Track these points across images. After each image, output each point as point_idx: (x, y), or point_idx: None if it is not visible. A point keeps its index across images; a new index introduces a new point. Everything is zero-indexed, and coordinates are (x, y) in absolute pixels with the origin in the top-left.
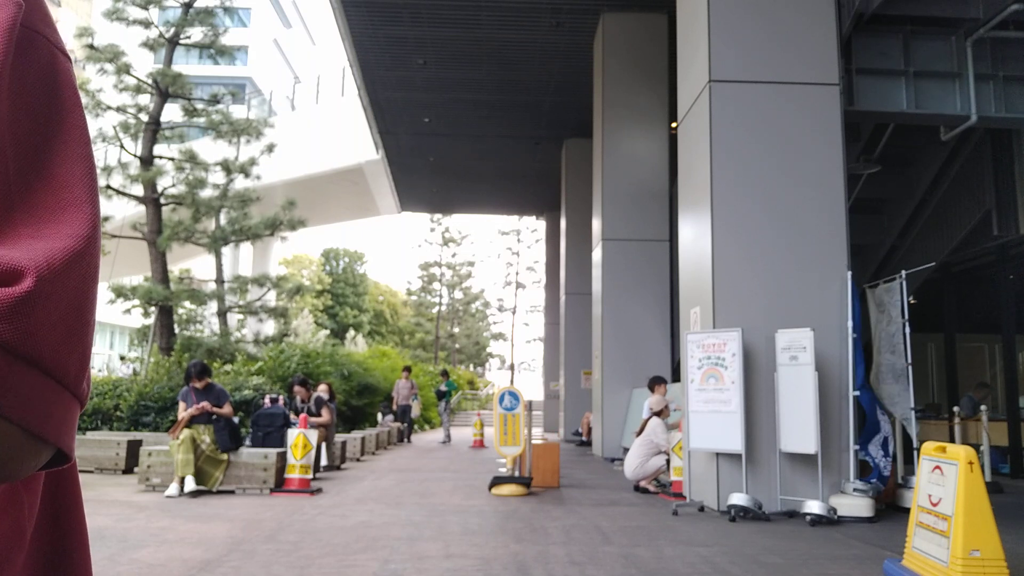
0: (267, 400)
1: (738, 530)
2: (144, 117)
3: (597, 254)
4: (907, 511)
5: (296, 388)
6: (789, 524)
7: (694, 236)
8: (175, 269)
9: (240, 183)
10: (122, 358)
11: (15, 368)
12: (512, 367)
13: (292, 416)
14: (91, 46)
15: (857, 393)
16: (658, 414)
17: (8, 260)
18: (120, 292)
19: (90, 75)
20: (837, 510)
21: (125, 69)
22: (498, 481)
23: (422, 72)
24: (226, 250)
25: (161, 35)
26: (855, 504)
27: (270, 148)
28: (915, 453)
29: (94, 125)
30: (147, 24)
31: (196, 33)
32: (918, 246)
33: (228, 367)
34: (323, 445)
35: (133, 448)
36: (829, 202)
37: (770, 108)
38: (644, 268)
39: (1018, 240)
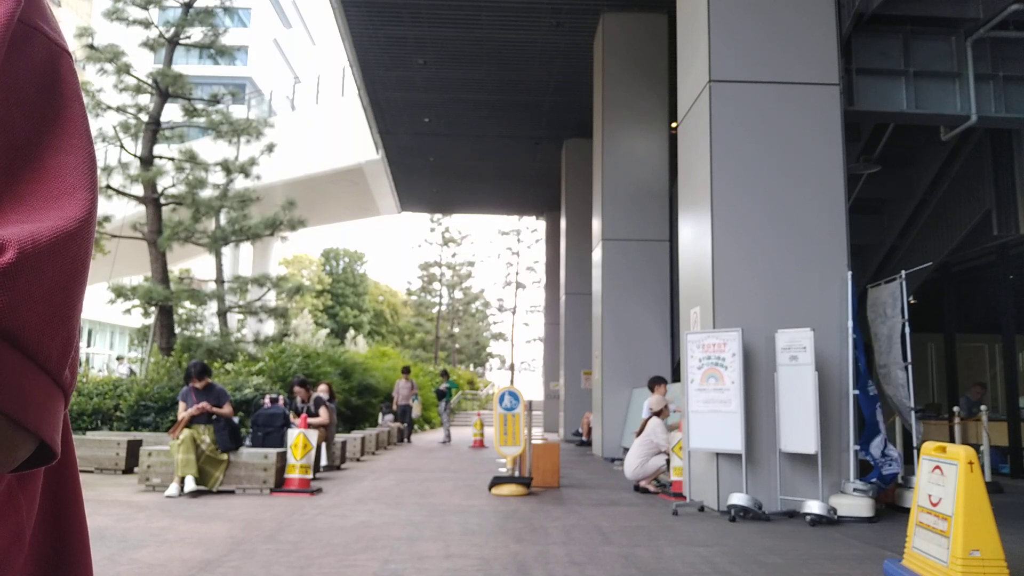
0: (267, 400)
1: (738, 530)
2: (144, 117)
3: (597, 254)
4: (907, 511)
5: (296, 388)
6: (789, 524)
7: (694, 236)
8: (175, 269)
9: (240, 183)
10: (119, 358)
11: None
12: (512, 367)
13: (292, 416)
14: (91, 46)
15: (856, 392)
16: (658, 414)
17: None
18: (120, 292)
19: (90, 75)
20: (837, 510)
21: (125, 69)
22: (498, 481)
23: (422, 72)
24: (226, 250)
25: (161, 35)
26: (855, 504)
27: (270, 148)
28: (915, 453)
29: (94, 125)
30: (147, 24)
31: (196, 33)
32: (918, 246)
33: (228, 367)
34: (323, 445)
35: (133, 448)
36: (829, 202)
37: (770, 108)
38: (644, 268)
39: (1018, 240)
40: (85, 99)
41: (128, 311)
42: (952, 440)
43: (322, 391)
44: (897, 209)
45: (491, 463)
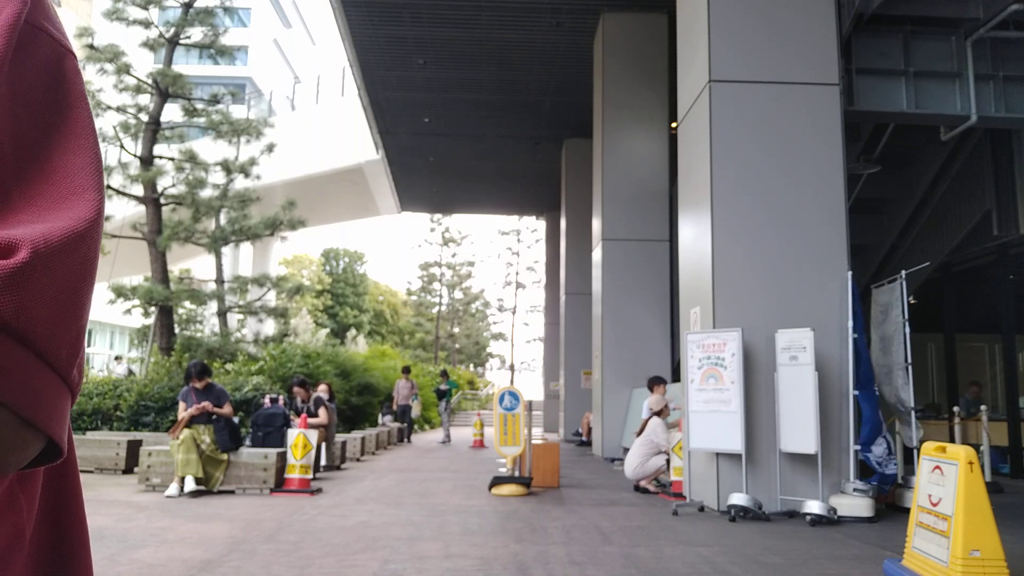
0: (267, 400)
1: (738, 530)
2: (144, 117)
3: (597, 254)
4: (907, 511)
5: (296, 389)
6: (789, 524)
7: (694, 236)
8: (175, 269)
9: (240, 183)
10: (118, 358)
11: (4, 344)
12: (512, 367)
13: (292, 416)
14: (91, 46)
15: (857, 393)
16: (658, 414)
17: (3, 235)
18: (120, 292)
19: (90, 75)
20: (837, 510)
21: (125, 69)
22: (498, 481)
23: (422, 72)
24: (226, 250)
25: (161, 35)
26: (855, 504)
27: (270, 148)
28: (915, 453)
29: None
30: (147, 24)
31: (196, 33)
32: (918, 246)
33: (228, 367)
34: (323, 445)
35: (133, 448)
36: (829, 202)
37: (770, 108)
38: (644, 268)
39: (1018, 240)
40: None
41: (128, 311)
42: (952, 440)
43: (322, 391)
44: (897, 209)
45: (491, 463)
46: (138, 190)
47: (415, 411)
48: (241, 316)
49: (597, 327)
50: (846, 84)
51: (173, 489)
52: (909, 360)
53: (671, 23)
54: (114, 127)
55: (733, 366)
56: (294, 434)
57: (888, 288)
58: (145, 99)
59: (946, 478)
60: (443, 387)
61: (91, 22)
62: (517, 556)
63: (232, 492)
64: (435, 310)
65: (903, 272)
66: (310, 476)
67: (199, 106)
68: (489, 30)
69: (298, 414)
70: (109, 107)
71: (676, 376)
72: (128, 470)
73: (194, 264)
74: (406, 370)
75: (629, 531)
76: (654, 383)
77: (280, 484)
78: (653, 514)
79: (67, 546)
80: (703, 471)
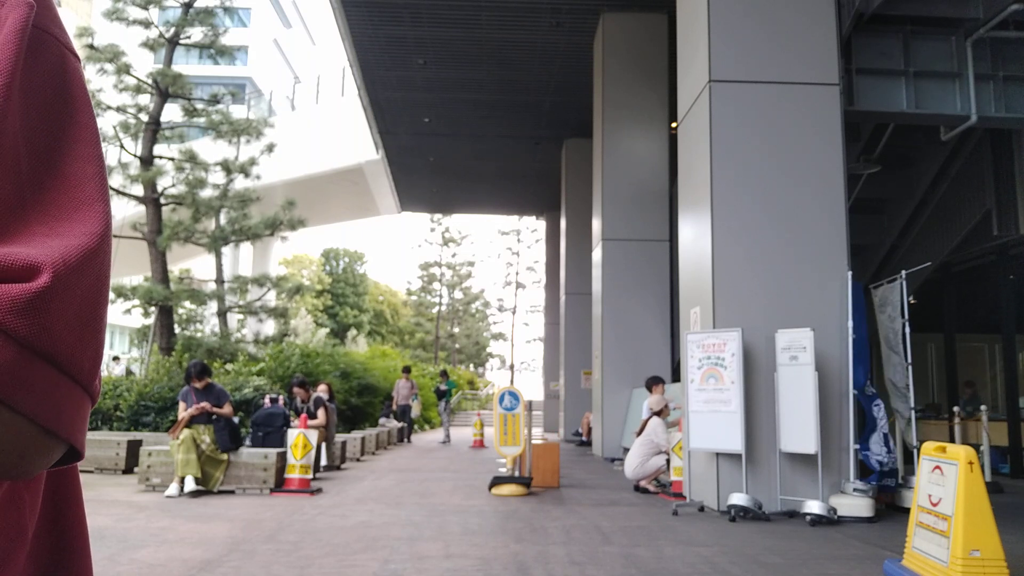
0: (267, 400)
1: (738, 530)
2: (144, 117)
3: (597, 254)
4: (907, 511)
5: (295, 389)
6: (789, 524)
7: (694, 236)
8: (175, 269)
9: (240, 183)
10: (115, 358)
11: (31, 363)
12: (512, 367)
13: (292, 416)
14: (91, 46)
15: (856, 392)
16: (658, 414)
17: (25, 256)
18: (120, 292)
19: (90, 75)
20: (837, 510)
21: (125, 69)
22: (498, 481)
23: (422, 72)
24: (226, 250)
25: (161, 35)
26: (855, 504)
27: (270, 148)
28: (915, 453)
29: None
30: (147, 24)
31: (196, 33)
32: (918, 246)
33: (228, 367)
34: (323, 445)
35: (133, 448)
36: (829, 202)
37: (770, 108)
38: (644, 268)
39: (1018, 240)
40: None
41: (128, 311)
42: (952, 440)
43: (322, 391)
44: (897, 209)
45: (491, 463)
46: (138, 190)
47: (415, 411)
48: (241, 316)
49: (597, 327)
50: (846, 84)
51: (173, 489)
52: (909, 360)
53: (671, 23)
54: (114, 127)
55: (733, 366)
56: (294, 434)
57: (886, 288)
58: (145, 99)
59: (946, 478)
60: (442, 387)
61: (91, 22)
62: (517, 556)
63: (232, 492)
64: (435, 310)
65: (903, 272)
66: (310, 476)
67: (199, 106)
68: (489, 30)
69: (298, 414)
70: (109, 107)
71: (676, 376)
72: (128, 470)
73: (194, 264)
74: (406, 370)
75: (629, 531)
76: (653, 383)
77: (280, 484)
78: (653, 514)
79: (67, 546)
80: (703, 471)
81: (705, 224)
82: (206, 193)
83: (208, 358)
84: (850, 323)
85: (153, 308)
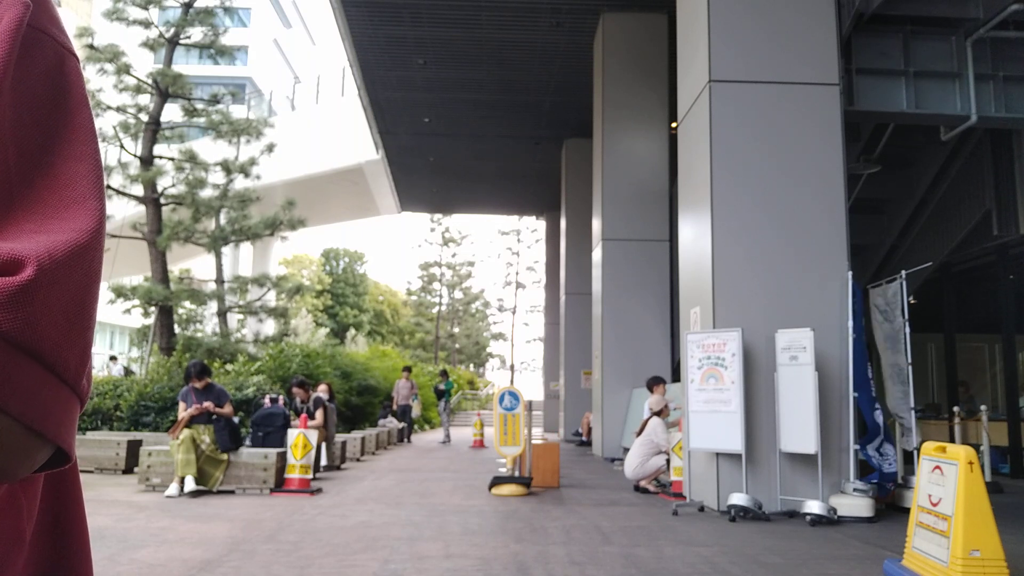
0: (267, 400)
1: (738, 530)
2: (144, 117)
3: (597, 254)
4: (907, 511)
5: (295, 389)
6: (789, 524)
7: (694, 236)
8: (175, 269)
9: (240, 183)
10: (113, 358)
11: (14, 359)
12: (512, 367)
13: (292, 416)
14: (91, 46)
15: (856, 394)
16: (658, 414)
17: (8, 250)
18: (120, 292)
19: (90, 75)
20: (837, 510)
21: (125, 69)
22: (498, 481)
23: (422, 72)
24: (226, 250)
25: (161, 35)
26: (855, 504)
27: (270, 148)
28: (915, 453)
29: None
30: (147, 24)
31: (196, 33)
32: (918, 246)
33: (228, 367)
34: (323, 445)
35: (133, 448)
36: (829, 202)
37: (770, 108)
38: (644, 268)
39: (1018, 240)
40: None
41: (128, 311)
42: (952, 440)
43: (322, 391)
44: (897, 209)
45: (491, 463)
46: (138, 190)
47: (415, 411)
48: (241, 316)
49: (597, 327)
50: (846, 84)
51: (173, 489)
52: (909, 360)
53: (671, 23)
54: (114, 127)
55: (733, 366)
56: (294, 434)
57: (884, 288)
58: (145, 99)
59: (946, 478)
60: (441, 387)
61: (91, 22)
62: (517, 556)
63: (232, 492)
64: (435, 310)
65: (903, 272)
66: (310, 476)
67: (199, 106)
68: (489, 30)
69: (298, 414)
70: (109, 107)
71: (676, 376)
72: (128, 470)
73: (194, 264)
74: (407, 370)
75: (629, 531)
76: (654, 383)
77: (280, 484)
78: (653, 514)
79: (67, 546)
80: (703, 471)
81: (705, 224)
82: (206, 193)
83: (208, 358)
84: (850, 323)
85: (153, 308)
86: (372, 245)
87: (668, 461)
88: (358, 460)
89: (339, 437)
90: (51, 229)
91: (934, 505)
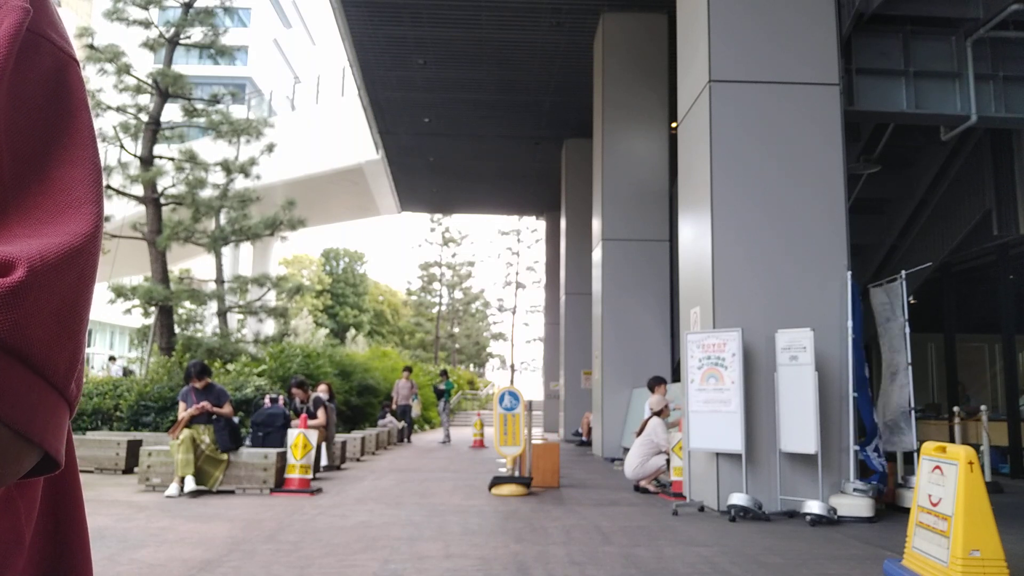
0: (267, 400)
1: (738, 530)
2: (144, 117)
3: (597, 254)
4: (907, 511)
5: (294, 390)
6: (789, 524)
7: (694, 236)
8: (175, 269)
9: (240, 183)
10: (112, 359)
11: (2, 361)
12: (512, 367)
13: (291, 416)
14: (91, 46)
15: (856, 395)
16: (658, 414)
17: (0, 253)
18: (120, 292)
19: (90, 75)
20: (837, 510)
21: (125, 69)
22: (498, 481)
23: (422, 72)
24: (226, 250)
25: (161, 35)
26: (855, 504)
27: (270, 148)
28: (915, 454)
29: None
30: (147, 24)
31: (196, 33)
32: (918, 246)
33: (229, 367)
34: (323, 445)
35: (133, 448)
36: (829, 202)
37: (770, 108)
38: (644, 268)
39: (1018, 240)
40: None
41: (128, 311)
42: (952, 440)
43: (322, 391)
44: (897, 209)
45: (491, 463)
46: (138, 190)
47: (415, 411)
48: (241, 316)
49: (597, 327)
50: (846, 84)
51: (173, 489)
52: (909, 360)
53: (671, 23)
54: (114, 127)
55: (733, 366)
56: (294, 434)
57: (885, 288)
58: (145, 99)
59: (946, 478)
60: (440, 387)
61: (91, 22)
62: (517, 556)
63: (232, 492)
64: (435, 310)
65: (903, 272)
66: (310, 476)
67: (199, 106)
68: (489, 30)
69: (298, 414)
70: (109, 107)
71: (676, 376)
72: (128, 470)
73: (194, 264)
74: (407, 370)
75: (629, 531)
76: (655, 383)
77: (280, 484)
78: (653, 514)
79: (67, 546)
80: (703, 471)
81: (705, 224)
82: (206, 193)
83: (208, 358)
84: (850, 323)
85: (153, 308)
86: (372, 245)
87: (668, 461)
88: (358, 460)
89: (339, 437)
90: (45, 233)
91: (934, 505)
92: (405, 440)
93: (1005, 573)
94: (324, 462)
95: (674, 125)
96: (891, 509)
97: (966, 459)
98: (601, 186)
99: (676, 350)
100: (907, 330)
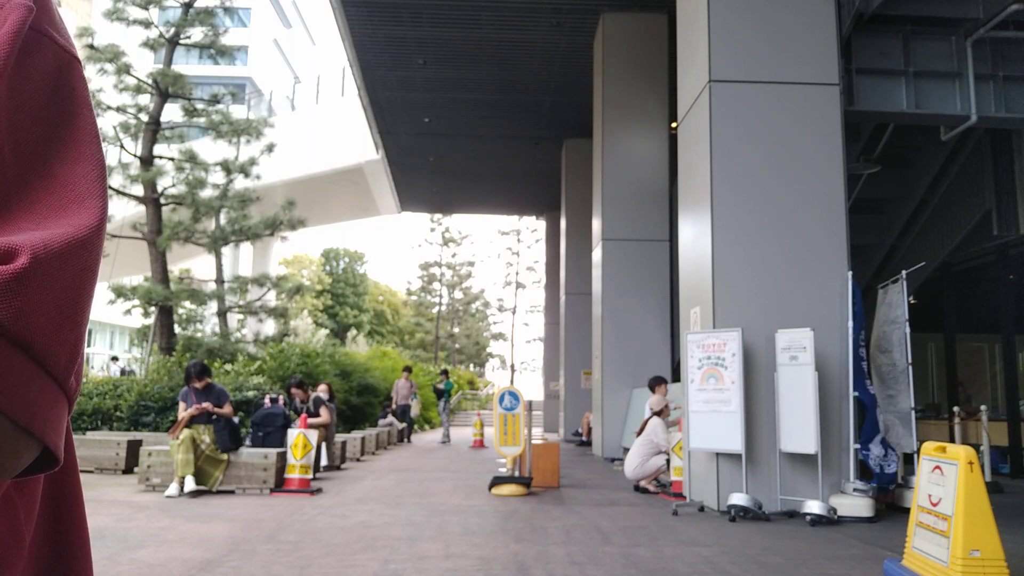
0: (267, 400)
1: (738, 530)
2: (144, 117)
3: (597, 254)
4: (907, 511)
5: (294, 390)
6: (789, 524)
7: (694, 236)
8: (175, 269)
9: (240, 183)
10: (114, 358)
11: (3, 350)
12: (512, 367)
13: (292, 416)
14: (91, 46)
15: (857, 394)
16: (658, 414)
17: (3, 241)
18: (120, 292)
19: (90, 75)
20: (837, 510)
21: (125, 69)
22: (498, 481)
23: (422, 72)
24: (226, 250)
25: (161, 35)
26: (855, 504)
27: (270, 148)
28: (915, 454)
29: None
30: (147, 24)
31: (196, 33)
32: (918, 246)
33: (229, 367)
34: (323, 445)
35: (133, 448)
36: (829, 202)
37: (770, 108)
38: (644, 268)
39: (1018, 240)
40: None
41: (128, 311)
42: (952, 440)
43: (321, 391)
44: (897, 209)
45: (491, 463)
46: (138, 190)
47: (414, 410)
48: (241, 316)
49: (597, 327)
50: (846, 84)
51: (173, 489)
52: (909, 360)
53: (671, 23)
54: (114, 127)
55: (733, 366)
56: (294, 434)
57: (888, 288)
58: (145, 99)
59: (946, 478)
60: (439, 386)
61: (91, 22)
62: (517, 556)
63: (232, 492)
64: (435, 310)
65: (903, 272)
66: (310, 476)
67: (199, 106)
68: (489, 30)
69: (298, 414)
70: (109, 107)
71: (676, 376)
72: (128, 470)
73: (194, 264)
74: (407, 370)
75: (629, 531)
76: (656, 383)
77: (280, 484)
78: (653, 514)
79: (67, 546)
80: (703, 471)
81: (705, 224)
82: (206, 193)
83: (208, 358)
84: (850, 323)
85: (153, 308)
86: (372, 245)
87: (668, 461)
88: (358, 460)
89: (339, 437)
90: (49, 226)
91: (934, 505)
92: (405, 440)
93: (1005, 573)
94: (324, 462)
95: (674, 125)
96: (891, 509)
97: (966, 459)
98: (601, 186)
99: (676, 350)
100: (907, 330)
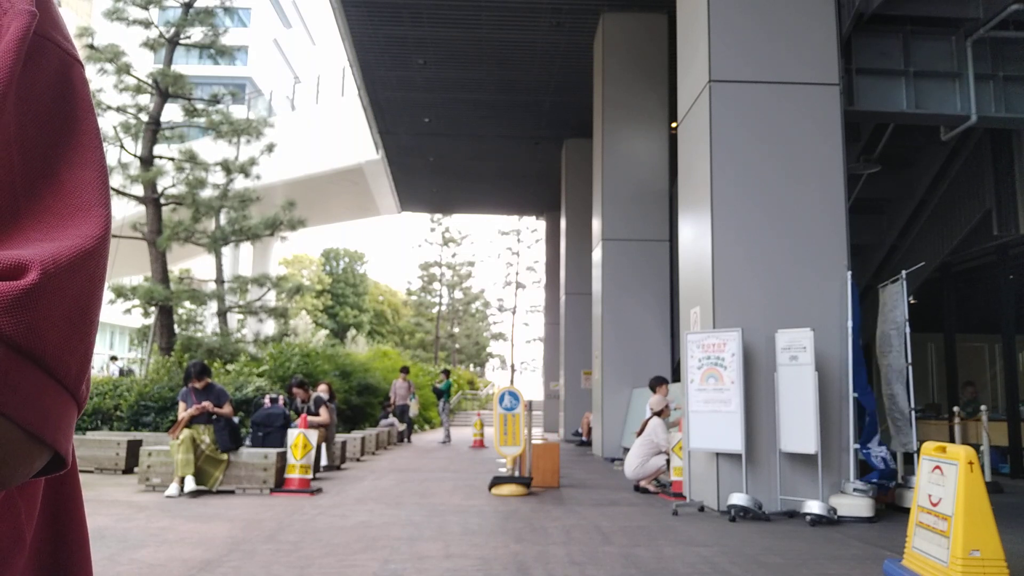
0: (267, 400)
1: (738, 530)
2: (144, 117)
3: (597, 254)
4: (907, 511)
5: (294, 390)
6: (789, 524)
7: (694, 236)
8: (175, 269)
9: (240, 183)
10: (113, 358)
11: (16, 363)
12: (512, 367)
13: (292, 416)
14: (91, 46)
15: (857, 394)
16: (658, 414)
17: (15, 256)
18: (120, 292)
19: (90, 75)
20: (837, 510)
21: (125, 69)
22: (498, 481)
23: (422, 72)
24: (226, 250)
25: (161, 35)
26: (855, 504)
27: (270, 148)
28: (915, 454)
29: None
30: (147, 24)
31: (196, 33)
32: (918, 246)
33: (229, 367)
34: (323, 445)
35: (133, 448)
36: (829, 202)
37: (770, 108)
38: (644, 268)
39: (1018, 240)
40: None
41: (128, 311)
42: (952, 440)
43: (322, 391)
44: (897, 209)
45: (491, 463)
46: (138, 190)
47: (412, 410)
48: (241, 316)
49: (597, 327)
50: (846, 84)
51: (173, 489)
52: (909, 360)
53: (671, 23)
54: (114, 127)
55: (733, 366)
56: (294, 434)
57: (889, 288)
58: (145, 99)
59: (946, 478)
60: (439, 386)
61: (91, 22)
62: (517, 556)
63: (232, 492)
64: (435, 310)
65: (903, 272)
66: (310, 476)
67: (199, 106)
68: (489, 30)
69: (298, 414)
70: (109, 107)
71: (676, 376)
72: (128, 470)
73: (194, 264)
74: (404, 370)
75: (629, 531)
76: (657, 383)
77: (280, 484)
78: (653, 514)
79: (67, 547)
80: (703, 471)
81: (705, 224)
82: (206, 193)
83: (208, 358)
84: (850, 323)
85: (153, 308)
86: (372, 245)
87: (668, 461)
88: (358, 460)
89: (339, 437)
90: (57, 236)
91: (934, 505)
92: (405, 440)
93: (1005, 573)
94: (324, 462)
95: (674, 125)
96: (891, 509)
97: (966, 459)
98: (601, 186)
99: (676, 350)
100: (907, 330)
